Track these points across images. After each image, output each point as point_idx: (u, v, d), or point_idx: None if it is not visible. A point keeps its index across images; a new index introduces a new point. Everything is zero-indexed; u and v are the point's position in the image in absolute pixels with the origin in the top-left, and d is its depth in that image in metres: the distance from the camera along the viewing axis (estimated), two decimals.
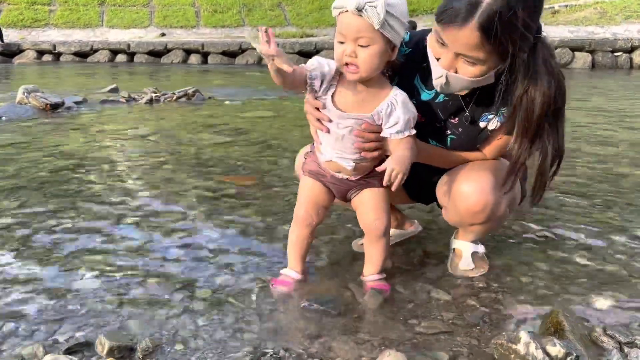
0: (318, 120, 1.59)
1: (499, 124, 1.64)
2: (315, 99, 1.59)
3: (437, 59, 1.51)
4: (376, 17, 1.40)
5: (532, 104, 1.49)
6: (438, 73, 1.52)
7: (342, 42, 1.48)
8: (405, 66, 1.67)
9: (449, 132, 1.71)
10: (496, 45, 1.40)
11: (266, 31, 1.45)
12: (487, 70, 1.49)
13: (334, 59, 1.54)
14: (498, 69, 1.51)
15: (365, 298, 1.67)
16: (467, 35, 1.39)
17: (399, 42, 1.51)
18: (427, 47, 1.56)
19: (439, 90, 1.59)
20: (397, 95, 1.55)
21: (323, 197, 1.72)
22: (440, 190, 1.75)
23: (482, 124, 1.67)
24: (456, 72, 1.49)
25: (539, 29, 1.48)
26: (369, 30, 1.43)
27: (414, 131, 1.56)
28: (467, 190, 1.63)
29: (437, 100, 1.69)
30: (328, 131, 1.60)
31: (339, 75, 1.58)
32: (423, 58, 1.63)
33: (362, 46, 1.46)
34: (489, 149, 1.72)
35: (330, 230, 2.20)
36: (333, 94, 1.58)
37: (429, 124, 1.71)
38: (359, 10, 1.40)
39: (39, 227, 2.22)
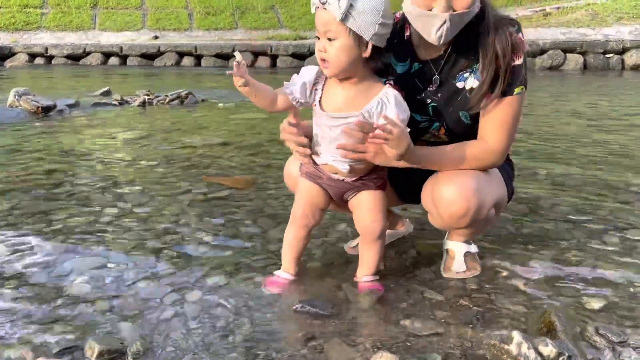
0: (300, 145, 1.62)
1: (476, 81, 1.62)
2: (300, 106, 1.62)
3: (430, 10, 1.50)
4: (337, 9, 1.43)
5: (499, 47, 1.56)
6: (439, 22, 1.49)
7: (319, 38, 1.52)
8: None
9: (429, 100, 1.70)
10: None
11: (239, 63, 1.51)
12: None
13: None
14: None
15: (358, 299, 1.66)
16: None
17: (371, 36, 1.49)
18: (409, 13, 1.56)
19: (442, 40, 1.54)
20: (388, 93, 1.55)
21: (320, 198, 1.72)
22: (424, 195, 1.74)
23: (459, 85, 1.66)
24: (454, 10, 1.49)
25: None
26: (334, 24, 1.46)
27: (407, 129, 1.55)
28: (449, 196, 1.62)
29: (412, 71, 1.70)
30: (311, 157, 1.63)
31: (325, 78, 1.60)
32: (393, 36, 1.63)
33: (329, 40, 1.49)
34: (489, 127, 1.64)
35: (324, 232, 2.19)
36: (320, 97, 1.59)
37: (410, 96, 1.69)
38: (323, 3, 1.44)
39: (29, 230, 2.21)
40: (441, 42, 1.54)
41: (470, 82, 1.64)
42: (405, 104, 1.58)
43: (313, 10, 1.51)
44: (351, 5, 1.43)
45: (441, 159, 1.66)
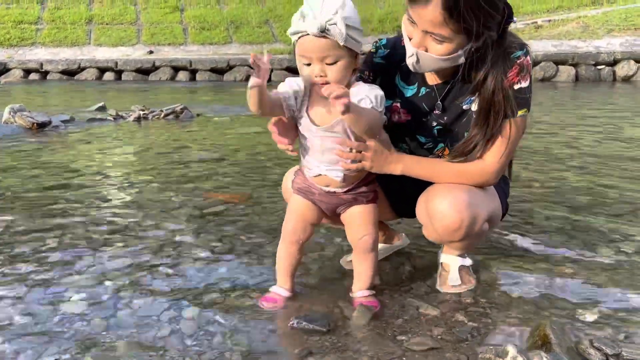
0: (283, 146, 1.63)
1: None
2: (293, 117, 1.62)
3: (410, 39, 1.55)
4: (339, 34, 1.45)
5: (495, 86, 1.57)
6: (410, 52, 1.56)
7: (308, 64, 1.51)
8: (385, 67, 1.71)
9: (434, 123, 1.72)
10: (460, 23, 1.44)
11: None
12: (456, 49, 1.52)
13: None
14: (468, 49, 1.53)
15: (354, 315, 1.67)
16: (431, 12, 1.44)
17: (361, 49, 1.55)
18: (402, 29, 1.59)
19: (412, 69, 1.61)
20: (363, 98, 1.55)
21: (311, 214, 1.73)
22: (419, 208, 1.75)
23: (465, 107, 1.68)
24: (427, 50, 1.52)
25: (510, 15, 1.53)
26: (334, 48, 1.48)
27: (381, 108, 1.56)
28: (442, 209, 1.64)
29: (420, 95, 1.72)
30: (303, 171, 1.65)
31: (308, 90, 1.62)
32: (401, 58, 1.68)
33: (329, 64, 1.50)
34: (488, 146, 1.64)
35: (319, 247, 2.20)
36: (307, 109, 1.61)
37: (416, 119, 1.73)
38: (322, 31, 1.44)
39: (25, 247, 2.20)
40: (413, 69, 1.61)
41: (476, 104, 1.65)
42: (383, 100, 1.58)
43: (294, 39, 1.50)
44: (347, 26, 1.46)
45: (435, 171, 1.69)
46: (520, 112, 1.63)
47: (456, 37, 1.48)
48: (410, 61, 1.58)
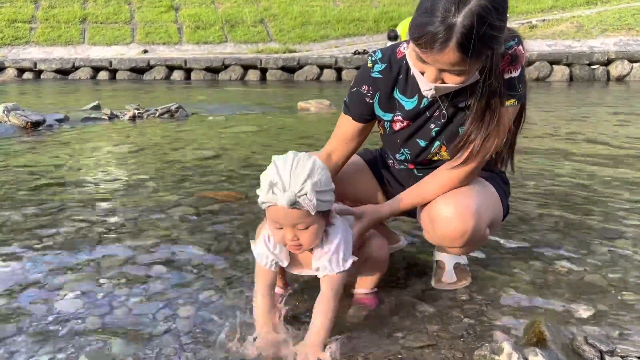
0: None
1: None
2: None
3: (422, 72, 1.50)
4: (311, 205, 1.38)
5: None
6: (426, 86, 1.52)
7: (279, 228, 1.45)
8: (383, 81, 1.69)
9: (432, 126, 1.71)
10: (478, 55, 1.42)
11: None
12: (473, 73, 1.50)
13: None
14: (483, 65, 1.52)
15: (350, 312, 1.67)
16: (449, 56, 1.39)
17: (332, 205, 1.49)
18: (408, 60, 1.55)
19: (429, 97, 1.58)
20: (327, 265, 1.51)
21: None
22: (421, 212, 1.75)
23: (461, 105, 1.66)
24: (443, 82, 1.49)
25: None
26: (306, 216, 1.41)
27: (348, 264, 1.53)
28: (447, 216, 1.63)
29: (422, 105, 1.70)
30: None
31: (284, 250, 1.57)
32: (398, 71, 1.67)
33: (302, 229, 1.44)
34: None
35: None
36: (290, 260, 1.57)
37: (417, 126, 1.72)
38: (293, 205, 1.37)
39: (19, 246, 2.19)
40: (429, 97, 1.58)
41: (470, 100, 1.63)
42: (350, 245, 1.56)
43: (264, 207, 1.45)
44: (318, 193, 1.39)
45: (421, 194, 1.72)
46: (507, 102, 1.59)
47: (473, 66, 1.46)
48: (427, 93, 1.54)
